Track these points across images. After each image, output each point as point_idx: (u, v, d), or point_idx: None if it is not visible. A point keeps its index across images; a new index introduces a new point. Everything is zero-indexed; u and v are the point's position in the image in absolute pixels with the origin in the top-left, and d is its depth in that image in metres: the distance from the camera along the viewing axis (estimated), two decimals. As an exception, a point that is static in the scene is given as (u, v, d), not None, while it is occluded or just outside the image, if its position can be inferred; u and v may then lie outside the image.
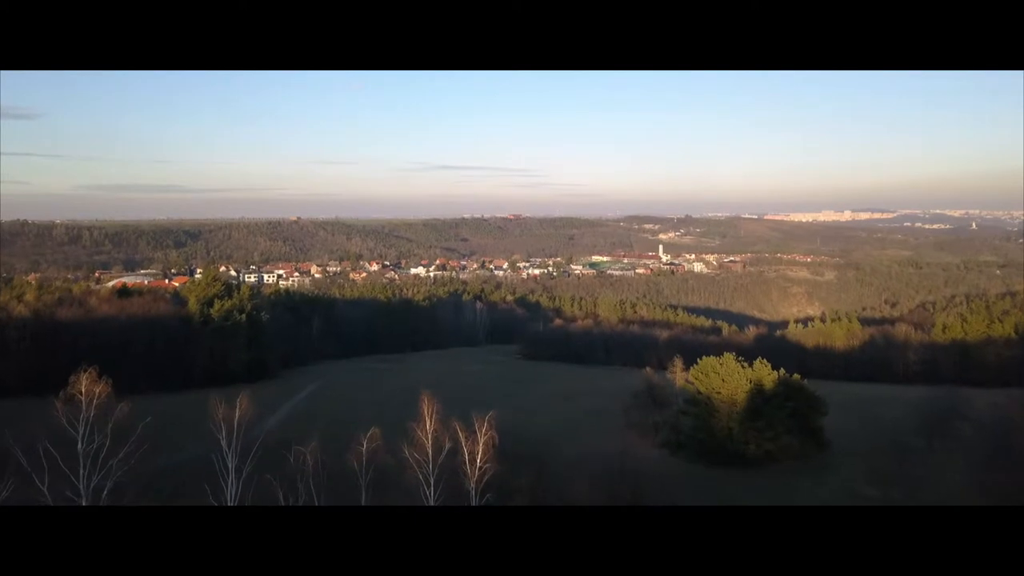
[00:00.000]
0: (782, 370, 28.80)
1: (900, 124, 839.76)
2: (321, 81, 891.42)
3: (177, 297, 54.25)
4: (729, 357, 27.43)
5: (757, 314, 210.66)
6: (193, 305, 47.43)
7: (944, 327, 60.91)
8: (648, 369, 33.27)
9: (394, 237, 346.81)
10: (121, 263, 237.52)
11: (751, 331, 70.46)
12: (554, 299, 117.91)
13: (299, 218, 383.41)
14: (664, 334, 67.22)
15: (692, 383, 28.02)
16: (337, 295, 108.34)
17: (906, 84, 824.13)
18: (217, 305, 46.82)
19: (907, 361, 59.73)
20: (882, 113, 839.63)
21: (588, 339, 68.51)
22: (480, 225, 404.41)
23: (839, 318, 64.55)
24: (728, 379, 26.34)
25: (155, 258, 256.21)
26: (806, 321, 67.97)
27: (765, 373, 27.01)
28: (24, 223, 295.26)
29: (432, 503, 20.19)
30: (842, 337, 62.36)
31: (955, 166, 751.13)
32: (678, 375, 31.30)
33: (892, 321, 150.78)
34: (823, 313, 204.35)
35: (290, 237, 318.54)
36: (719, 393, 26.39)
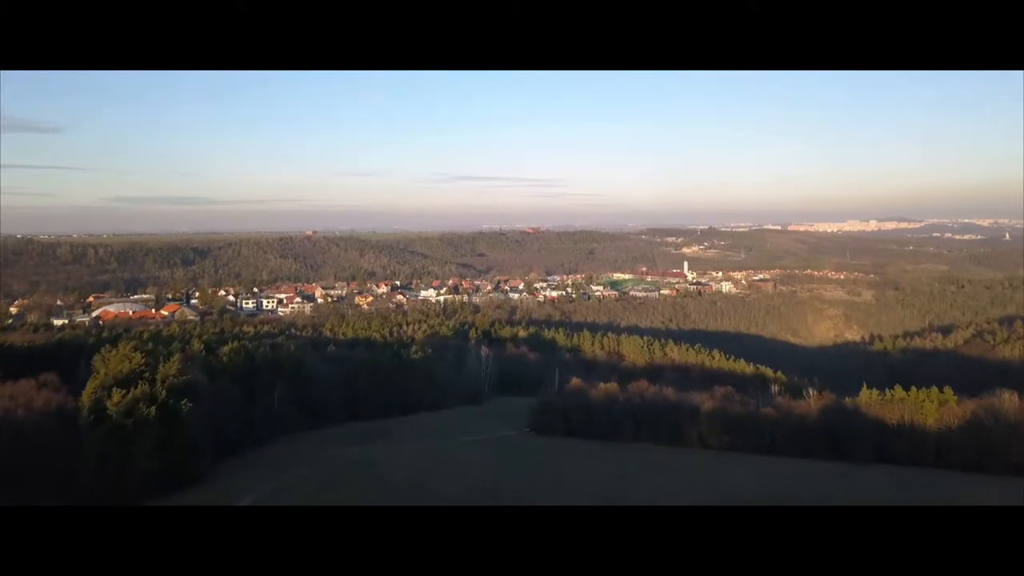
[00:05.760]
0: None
1: (923, 131, 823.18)
2: (339, 91, 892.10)
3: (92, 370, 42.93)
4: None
5: (791, 339, 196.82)
6: (85, 397, 35.58)
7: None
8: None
9: (409, 253, 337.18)
10: (123, 283, 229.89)
11: (812, 399, 57.18)
12: (572, 336, 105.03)
13: (315, 232, 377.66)
14: (706, 403, 54.31)
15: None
16: (328, 333, 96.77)
17: (929, 89, 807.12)
18: (116, 396, 34.84)
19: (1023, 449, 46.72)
20: (904, 120, 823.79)
21: (612, 408, 55.75)
22: (498, 239, 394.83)
23: (925, 389, 51.53)
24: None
25: (161, 277, 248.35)
26: (881, 387, 54.95)
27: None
28: (29, 240, 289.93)
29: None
30: (934, 412, 49.28)
31: (981, 174, 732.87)
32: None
33: (946, 352, 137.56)
34: (863, 338, 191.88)
35: (301, 254, 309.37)
36: None
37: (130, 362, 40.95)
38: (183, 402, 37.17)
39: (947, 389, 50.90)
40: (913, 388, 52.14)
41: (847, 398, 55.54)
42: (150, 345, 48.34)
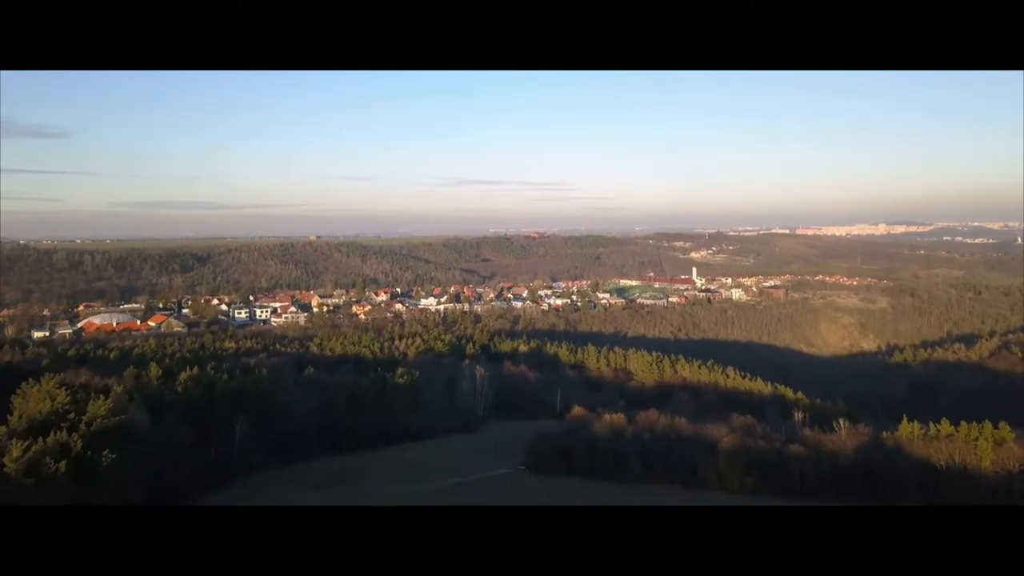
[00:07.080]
0: None
1: (930, 133, 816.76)
2: (342, 95, 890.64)
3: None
4: None
5: (805, 348, 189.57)
6: (-19, 451, 29.42)
7: None
8: None
9: (412, 258, 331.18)
10: (119, 291, 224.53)
11: (844, 432, 50.59)
12: (576, 351, 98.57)
13: (317, 237, 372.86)
14: (725, 438, 47.83)
15: None
16: (315, 348, 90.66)
17: (936, 91, 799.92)
18: (16, 450, 28.69)
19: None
20: (911, 122, 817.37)
21: (618, 443, 49.30)
22: (502, 244, 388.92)
23: (974, 429, 44.96)
24: None
25: (158, 284, 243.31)
26: (923, 423, 48.48)
27: None
28: (24, 247, 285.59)
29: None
30: (990, 453, 42.76)
31: (990, 176, 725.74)
32: None
33: (971, 365, 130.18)
34: (880, 348, 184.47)
35: (302, 260, 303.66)
36: None
37: (52, 401, 34.89)
38: (104, 452, 31.14)
39: (1003, 425, 44.44)
40: (963, 423, 45.66)
41: (884, 432, 49.06)
42: (86, 377, 42.05)
